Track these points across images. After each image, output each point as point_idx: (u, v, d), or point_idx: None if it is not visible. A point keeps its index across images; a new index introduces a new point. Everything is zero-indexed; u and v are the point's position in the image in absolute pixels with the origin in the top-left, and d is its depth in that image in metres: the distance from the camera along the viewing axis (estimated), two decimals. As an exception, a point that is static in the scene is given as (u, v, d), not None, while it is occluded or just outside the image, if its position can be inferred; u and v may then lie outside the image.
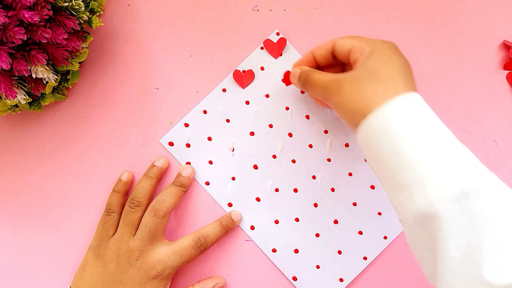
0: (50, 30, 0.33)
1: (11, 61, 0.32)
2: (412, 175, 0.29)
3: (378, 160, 0.31)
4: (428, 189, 0.28)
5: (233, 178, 0.43)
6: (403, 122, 0.29)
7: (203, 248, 0.40)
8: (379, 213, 0.44)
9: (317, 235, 0.43)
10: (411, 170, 0.29)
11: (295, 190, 0.44)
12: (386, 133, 0.29)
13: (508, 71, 0.46)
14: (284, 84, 0.44)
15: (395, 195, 0.30)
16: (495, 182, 0.28)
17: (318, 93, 0.36)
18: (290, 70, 0.41)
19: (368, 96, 0.31)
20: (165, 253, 0.38)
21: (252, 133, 0.44)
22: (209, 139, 0.44)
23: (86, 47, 0.40)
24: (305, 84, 0.37)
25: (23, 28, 0.31)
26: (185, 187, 0.41)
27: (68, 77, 0.41)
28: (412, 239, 0.30)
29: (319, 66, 0.39)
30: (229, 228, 0.42)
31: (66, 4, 0.35)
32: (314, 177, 0.44)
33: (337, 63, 0.39)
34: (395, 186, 0.30)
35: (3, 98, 0.37)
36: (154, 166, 0.41)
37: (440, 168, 0.28)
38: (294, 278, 0.43)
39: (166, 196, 0.40)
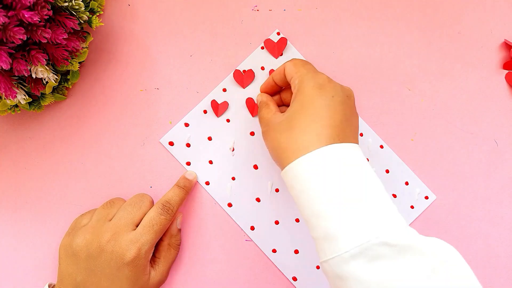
0: (50, 30, 0.33)
1: (11, 61, 0.32)
2: (316, 232, 0.31)
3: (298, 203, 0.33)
4: (326, 248, 0.30)
5: (233, 178, 0.43)
6: (311, 180, 0.31)
7: (171, 212, 0.39)
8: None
9: (317, 235, 0.43)
10: (315, 226, 0.31)
11: (295, 190, 0.44)
12: (297, 187, 0.32)
13: (507, 71, 0.46)
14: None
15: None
16: (390, 237, 0.28)
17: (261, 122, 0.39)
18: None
19: (283, 149, 0.33)
20: (135, 232, 0.37)
21: (252, 133, 0.44)
22: (209, 139, 0.44)
23: (86, 47, 0.40)
24: (258, 115, 0.40)
25: (23, 28, 0.31)
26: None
27: (68, 77, 0.41)
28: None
29: (282, 88, 0.41)
30: (188, 188, 0.41)
31: (66, 4, 0.35)
32: (314, 177, 0.44)
33: None
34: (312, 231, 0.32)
35: (3, 98, 0.37)
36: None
37: (338, 228, 0.29)
38: (294, 278, 0.43)
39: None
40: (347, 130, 0.33)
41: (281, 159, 0.34)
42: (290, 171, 0.32)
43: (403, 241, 0.28)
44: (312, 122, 0.32)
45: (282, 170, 0.34)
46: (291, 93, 0.38)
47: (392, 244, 0.28)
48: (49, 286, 0.38)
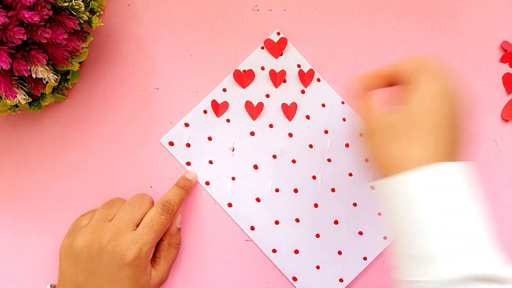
0: (50, 30, 0.33)
1: (11, 61, 0.32)
2: (410, 250, 0.29)
3: (392, 219, 0.30)
4: (429, 270, 0.27)
5: (233, 178, 0.43)
6: (422, 196, 0.28)
7: (171, 212, 0.39)
8: (379, 214, 0.44)
9: (317, 235, 0.43)
10: (411, 244, 0.29)
11: (295, 190, 0.44)
12: (398, 201, 0.29)
13: (505, 72, 0.46)
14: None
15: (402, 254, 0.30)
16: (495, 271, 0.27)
17: (360, 115, 0.34)
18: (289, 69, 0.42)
19: (388, 158, 0.30)
20: (136, 232, 0.37)
21: (252, 133, 0.44)
22: (209, 139, 0.44)
23: (86, 47, 0.40)
24: (355, 98, 0.35)
25: (23, 28, 0.31)
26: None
27: (68, 77, 0.41)
28: None
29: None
30: (188, 188, 0.42)
31: (66, 4, 0.35)
32: (314, 177, 0.44)
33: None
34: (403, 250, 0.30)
35: (3, 98, 0.37)
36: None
37: (447, 251, 0.27)
38: (294, 278, 0.43)
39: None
40: (460, 148, 0.30)
41: (382, 168, 0.31)
42: (392, 184, 0.30)
43: (506, 274, 0.26)
44: (430, 134, 0.29)
45: (375, 178, 0.32)
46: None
47: (494, 276, 0.26)
48: (50, 286, 0.38)
